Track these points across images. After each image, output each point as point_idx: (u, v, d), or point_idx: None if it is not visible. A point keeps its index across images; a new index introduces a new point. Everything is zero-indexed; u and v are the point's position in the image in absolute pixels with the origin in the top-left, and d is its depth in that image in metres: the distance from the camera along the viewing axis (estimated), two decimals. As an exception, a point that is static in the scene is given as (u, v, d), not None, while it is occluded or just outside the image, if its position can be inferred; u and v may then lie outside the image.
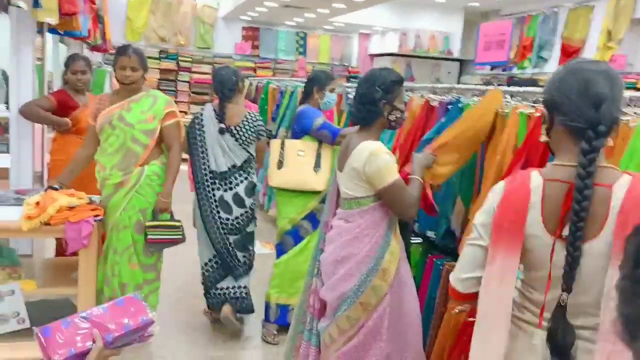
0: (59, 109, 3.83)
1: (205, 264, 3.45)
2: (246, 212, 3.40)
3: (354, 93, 4.63)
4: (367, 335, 2.24)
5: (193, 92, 11.72)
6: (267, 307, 3.55)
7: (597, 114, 1.32)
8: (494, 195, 1.46)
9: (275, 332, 3.53)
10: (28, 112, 3.83)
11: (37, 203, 2.75)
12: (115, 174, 3.06)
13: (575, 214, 1.30)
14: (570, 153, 1.38)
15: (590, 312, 1.35)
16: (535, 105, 2.42)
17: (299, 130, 3.45)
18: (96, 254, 2.91)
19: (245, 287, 3.46)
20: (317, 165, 3.41)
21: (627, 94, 2.05)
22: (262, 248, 5.10)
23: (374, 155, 2.20)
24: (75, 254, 2.83)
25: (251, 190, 3.42)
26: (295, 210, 3.44)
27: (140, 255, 3.14)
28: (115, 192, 3.08)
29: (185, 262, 4.21)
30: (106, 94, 3.34)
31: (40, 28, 4.26)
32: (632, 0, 7.58)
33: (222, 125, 3.32)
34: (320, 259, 2.42)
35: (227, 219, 3.35)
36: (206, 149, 3.33)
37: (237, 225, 3.38)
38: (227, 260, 3.38)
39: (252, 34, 12.26)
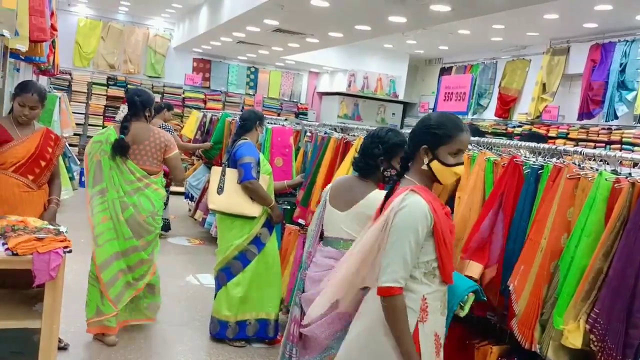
0: None
1: None
2: None
3: (310, 130, 4.85)
4: None
5: (140, 121, 11.51)
6: (225, 326, 3.73)
7: None
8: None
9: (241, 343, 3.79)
10: None
11: (5, 232, 2.66)
12: None
13: None
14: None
15: None
16: (501, 154, 2.64)
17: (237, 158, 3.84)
18: (62, 286, 2.83)
19: None
20: None
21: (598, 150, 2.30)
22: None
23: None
24: (40, 285, 2.75)
25: None
26: (240, 235, 3.71)
27: None
28: None
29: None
30: None
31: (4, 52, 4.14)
32: (564, 58, 8.28)
33: None
34: (302, 297, 2.47)
35: None
36: None
37: None
38: None
39: (203, 65, 12.31)
